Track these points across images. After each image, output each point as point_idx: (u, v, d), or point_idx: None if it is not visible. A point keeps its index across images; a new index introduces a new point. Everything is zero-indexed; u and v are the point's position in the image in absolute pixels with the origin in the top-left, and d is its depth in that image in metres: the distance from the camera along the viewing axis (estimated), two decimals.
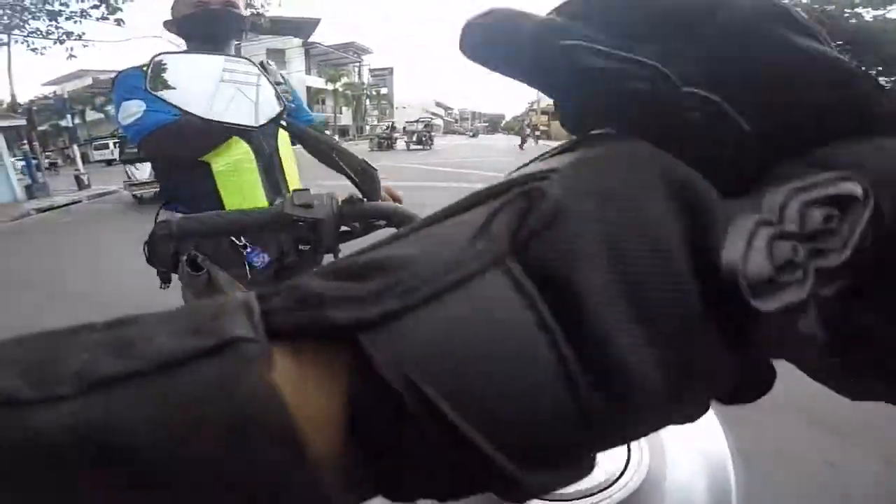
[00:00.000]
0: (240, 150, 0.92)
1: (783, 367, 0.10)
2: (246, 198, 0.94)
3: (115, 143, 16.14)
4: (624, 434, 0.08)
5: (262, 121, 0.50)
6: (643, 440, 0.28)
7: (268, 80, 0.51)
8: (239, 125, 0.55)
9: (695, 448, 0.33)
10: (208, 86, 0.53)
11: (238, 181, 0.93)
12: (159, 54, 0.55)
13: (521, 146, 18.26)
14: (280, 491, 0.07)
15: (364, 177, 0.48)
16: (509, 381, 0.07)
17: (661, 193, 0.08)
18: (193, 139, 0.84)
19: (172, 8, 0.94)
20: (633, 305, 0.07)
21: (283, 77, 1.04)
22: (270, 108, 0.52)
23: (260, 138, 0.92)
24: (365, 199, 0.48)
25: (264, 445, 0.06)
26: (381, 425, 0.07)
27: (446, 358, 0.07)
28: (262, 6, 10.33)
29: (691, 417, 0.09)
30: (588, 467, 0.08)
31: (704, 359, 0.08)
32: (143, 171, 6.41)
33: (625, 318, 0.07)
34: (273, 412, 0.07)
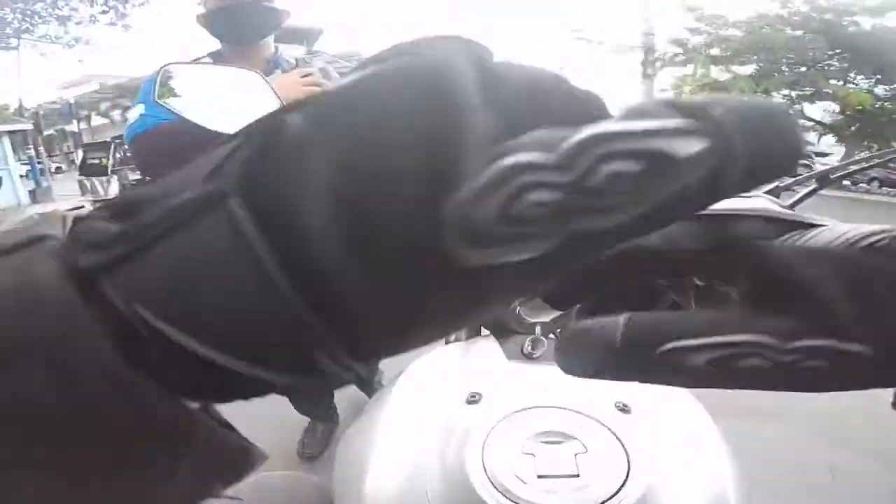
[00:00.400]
0: None
1: None
2: None
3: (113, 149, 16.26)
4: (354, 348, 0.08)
5: None
6: (641, 457, 0.28)
7: (274, 92, 0.51)
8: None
9: (696, 466, 0.32)
10: (211, 95, 0.53)
11: None
12: (168, 64, 0.56)
13: None
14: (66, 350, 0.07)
15: None
16: (228, 309, 0.08)
17: (415, 124, 0.08)
18: (183, 143, 0.84)
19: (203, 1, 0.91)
20: (356, 237, 0.07)
21: None
22: None
23: None
24: None
25: (51, 309, 0.07)
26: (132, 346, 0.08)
27: (172, 293, 0.08)
28: None
29: (429, 340, 0.09)
30: (324, 371, 0.08)
31: (435, 296, 0.08)
32: (114, 186, 5.89)
33: (346, 249, 0.07)
34: (64, 290, 0.08)
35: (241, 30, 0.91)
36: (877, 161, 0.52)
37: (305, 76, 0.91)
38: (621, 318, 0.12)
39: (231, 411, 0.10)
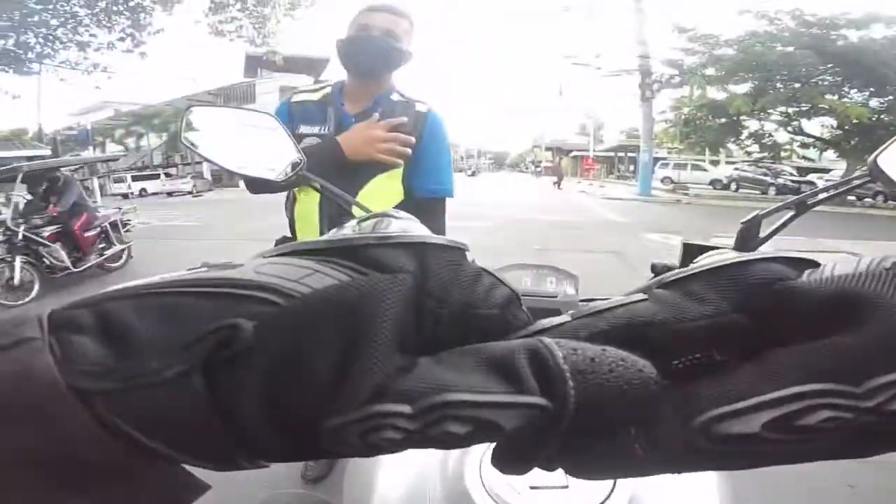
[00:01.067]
0: (308, 190, 0.95)
1: None
2: (303, 230, 1.00)
3: (132, 178, 16.74)
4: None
5: (282, 174, 0.53)
6: None
7: (286, 132, 0.54)
8: (259, 177, 0.58)
9: (681, 478, 0.34)
10: (229, 138, 0.56)
11: (304, 211, 0.99)
12: (190, 107, 0.59)
13: (557, 185, 18.04)
14: (50, 419, 0.10)
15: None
16: (188, 435, 0.11)
17: (325, 355, 0.11)
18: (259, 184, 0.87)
19: (348, 27, 0.97)
20: (274, 418, 0.11)
21: (410, 124, 0.98)
22: (288, 160, 0.53)
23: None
24: None
25: (42, 396, 0.10)
26: None
27: (155, 422, 0.11)
28: (277, 45, 10.94)
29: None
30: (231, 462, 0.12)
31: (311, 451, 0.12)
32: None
33: (264, 423, 0.11)
34: (49, 375, 0.10)
35: (364, 63, 0.97)
36: (851, 186, 0.54)
37: (391, 131, 0.94)
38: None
39: None
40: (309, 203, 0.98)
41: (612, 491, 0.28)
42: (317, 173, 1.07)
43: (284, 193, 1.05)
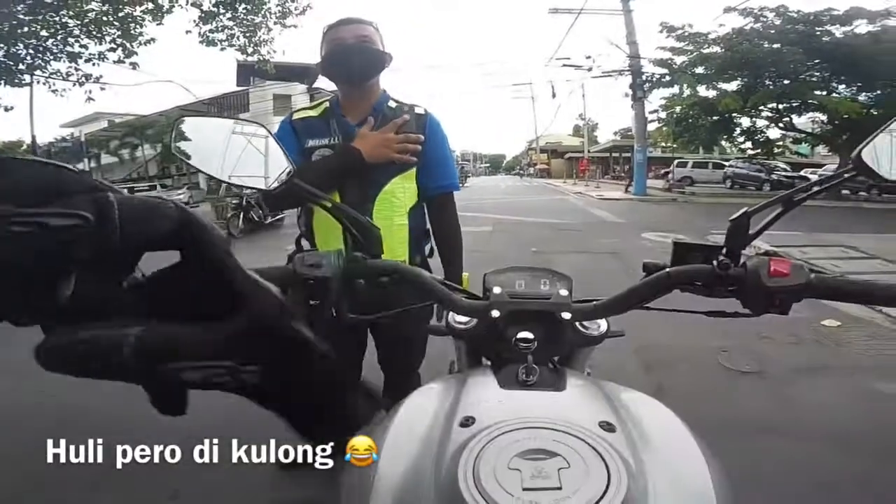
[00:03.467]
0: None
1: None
2: (328, 241, 1.00)
3: (128, 189, 16.45)
4: None
5: (273, 182, 0.54)
6: (620, 470, 0.30)
7: (276, 142, 0.54)
8: (251, 188, 0.58)
9: (676, 476, 0.34)
10: (219, 148, 0.56)
11: (325, 224, 0.99)
12: (180, 117, 0.59)
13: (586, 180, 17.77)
14: None
15: (366, 235, 0.52)
16: None
17: None
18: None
19: (320, 48, 1.02)
20: None
21: (415, 126, 1.03)
22: (279, 170, 0.53)
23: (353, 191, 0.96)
24: (368, 258, 0.51)
25: None
26: None
27: None
28: (269, 53, 10.97)
29: None
30: None
31: None
32: None
33: None
34: None
35: (351, 71, 1.00)
36: (835, 181, 0.54)
37: (398, 132, 1.00)
38: None
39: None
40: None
41: (605, 491, 0.28)
42: (341, 181, 1.08)
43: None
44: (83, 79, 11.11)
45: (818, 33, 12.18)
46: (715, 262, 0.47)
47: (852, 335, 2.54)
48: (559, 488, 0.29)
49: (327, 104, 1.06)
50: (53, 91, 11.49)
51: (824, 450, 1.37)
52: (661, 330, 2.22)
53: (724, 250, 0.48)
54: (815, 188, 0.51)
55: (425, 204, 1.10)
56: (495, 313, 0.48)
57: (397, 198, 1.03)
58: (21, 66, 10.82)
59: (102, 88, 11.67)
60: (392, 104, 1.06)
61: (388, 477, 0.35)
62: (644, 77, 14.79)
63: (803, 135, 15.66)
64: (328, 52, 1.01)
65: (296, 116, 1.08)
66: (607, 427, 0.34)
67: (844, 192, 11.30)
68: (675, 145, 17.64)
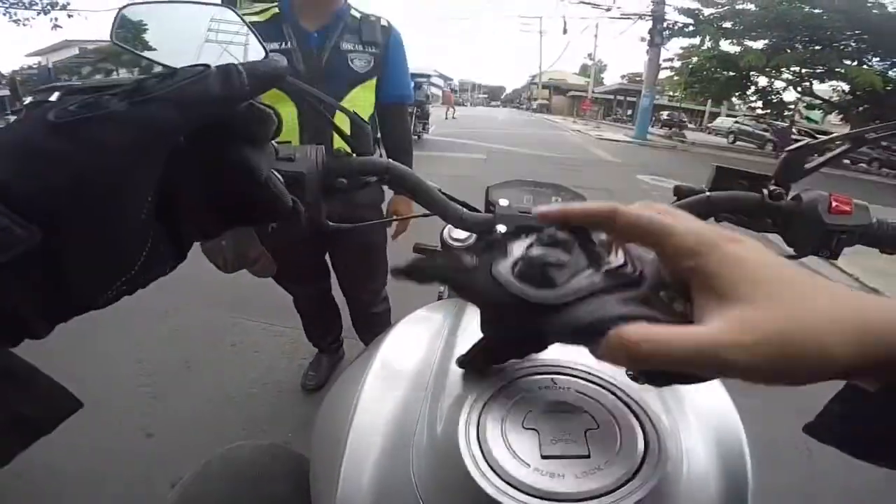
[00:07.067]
0: (284, 102, 0.94)
1: None
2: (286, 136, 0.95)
3: None
4: None
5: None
6: (660, 431, 0.24)
7: (257, 38, 0.44)
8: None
9: (713, 444, 0.29)
10: (192, 46, 0.46)
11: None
12: (127, 6, 0.47)
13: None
14: None
15: (355, 130, 0.43)
16: None
17: None
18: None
19: None
20: None
21: (381, 37, 1.03)
22: (251, 56, 0.46)
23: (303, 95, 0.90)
24: (354, 154, 0.42)
25: None
26: None
27: None
28: None
29: None
30: None
31: None
32: None
33: None
34: None
35: None
36: None
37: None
38: None
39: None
40: (285, 115, 0.92)
41: (640, 465, 0.23)
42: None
43: None
44: (48, 6, 10.08)
45: (869, 4, 11.21)
46: (766, 191, 0.42)
47: None
48: (587, 456, 0.23)
49: (276, 10, 0.99)
50: (15, 21, 10.50)
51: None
52: None
53: (773, 181, 0.43)
54: (890, 129, 0.45)
55: (377, 115, 1.11)
56: (501, 228, 0.41)
57: (358, 107, 1.03)
58: None
59: (70, 16, 10.64)
60: (356, 13, 1.04)
61: (369, 430, 0.29)
62: (666, 24, 13.81)
63: (819, 101, 15.02)
64: None
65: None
66: (636, 378, 0.27)
67: (845, 161, 11.16)
68: (682, 95, 16.92)
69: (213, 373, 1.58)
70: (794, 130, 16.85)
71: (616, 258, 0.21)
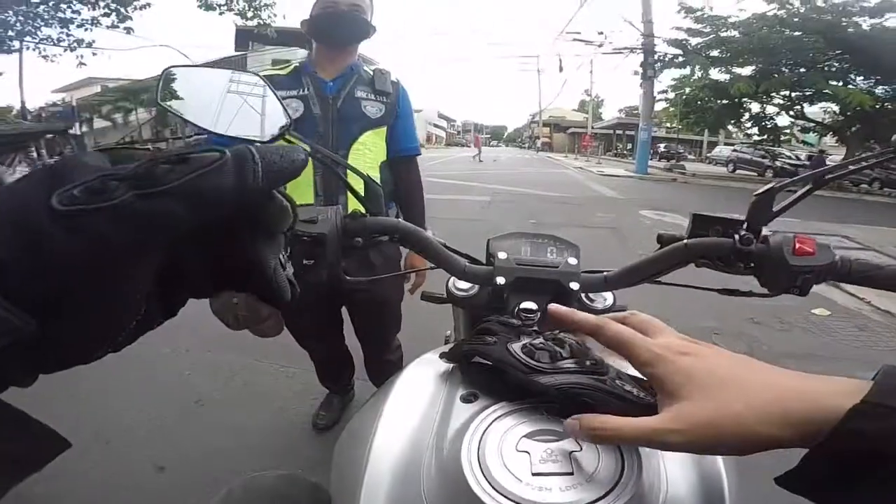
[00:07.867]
0: None
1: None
2: (298, 196, 0.99)
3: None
4: None
5: (269, 134, 0.51)
6: (634, 455, 0.28)
7: (274, 94, 0.52)
8: (246, 138, 0.55)
9: (691, 464, 0.32)
10: (214, 99, 0.53)
11: (294, 182, 0.98)
12: (169, 67, 0.55)
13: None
14: None
15: (368, 192, 0.49)
16: None
17: None
18: None
19: (312, 8, 1.08)
20: None
21: (391, 89, 1.12)
22: (277, 121, 0.51)
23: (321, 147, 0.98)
24: (368, 215, 0.47)
25: None
26: None
27: None
28: (269, 17, 10.57)
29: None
30: None
31: None
32: None
33: None
34: None
35: (337, 34, 1.07)
36: (871, 161, 0.51)
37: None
38: None
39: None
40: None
41: (618, 480, 0.27)
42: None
43: None
44: (75, 44, 10.73)
45: (844, 24, 11.66)
46: (736, 237, 0.44)
47: (840, 325, 2.56)
48: (570, 473, 0.27)
49: (296, 65, 1.12)
50: (44, 57, 11.13)
51: None
52: (658, 307, 2.21)
53: (745, 225, 0.46)
54: (849, 167, 0.48)
55: (390, 166, 1.17)
56: (500, 280, 0.45)
57: (370, 150, 1.10)
58: (10, 33, 10.46)
59: (94, 54, 11.30)
60: (368, 69, 1.14)
61: (384, 455, 0.33)
62: (656, 56, 14.36)
63: (813, 124, 15.34)
64: (320, 13, 1.05)
65: (262, 75, 1.08)
66: None
67: (846, 183, 11.19)
68: (680, 126, 17.31)
69: (225, 410, 1.60)
70: (789, 154, 17.00)
71: (592, 355, 0.32)
